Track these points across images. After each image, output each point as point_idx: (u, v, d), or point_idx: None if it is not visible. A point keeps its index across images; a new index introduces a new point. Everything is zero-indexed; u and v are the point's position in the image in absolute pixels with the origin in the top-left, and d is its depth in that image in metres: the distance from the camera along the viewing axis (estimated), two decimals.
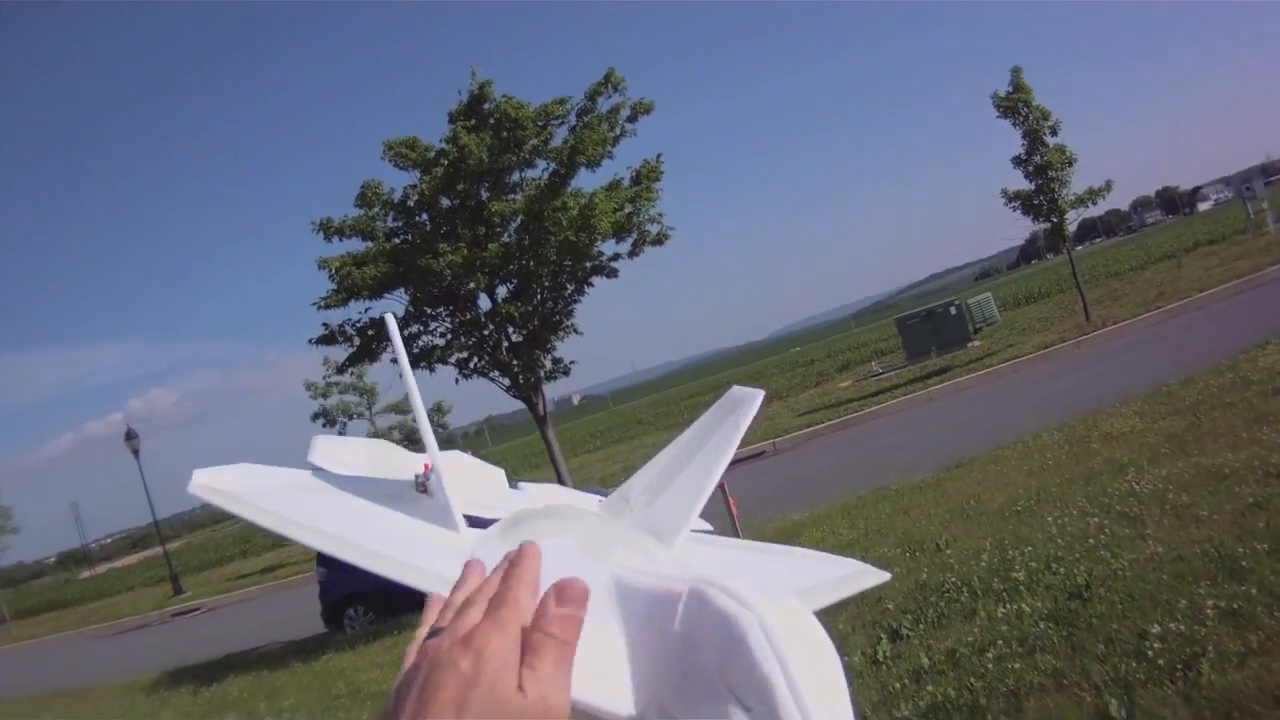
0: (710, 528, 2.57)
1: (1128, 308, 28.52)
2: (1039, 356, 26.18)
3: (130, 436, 42.37)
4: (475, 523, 2.09)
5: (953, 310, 34.78)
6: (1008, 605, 7.69)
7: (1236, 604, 6.17)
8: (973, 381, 26.44)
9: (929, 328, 34.75)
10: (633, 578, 1.33)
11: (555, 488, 2.97)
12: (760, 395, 2.25)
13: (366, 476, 2.48)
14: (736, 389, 2.27)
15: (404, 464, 2.70)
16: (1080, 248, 32.05)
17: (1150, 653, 5.91)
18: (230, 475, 2.15)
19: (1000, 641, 6.90)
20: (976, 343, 33.27)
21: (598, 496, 2.65)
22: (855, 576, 2.31)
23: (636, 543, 1.72)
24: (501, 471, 2.93)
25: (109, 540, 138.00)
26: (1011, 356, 27.62)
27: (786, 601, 1.16)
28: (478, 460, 3.06)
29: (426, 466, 2.52)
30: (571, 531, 1.70)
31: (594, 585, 1.18)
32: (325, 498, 2.25)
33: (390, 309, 15.77)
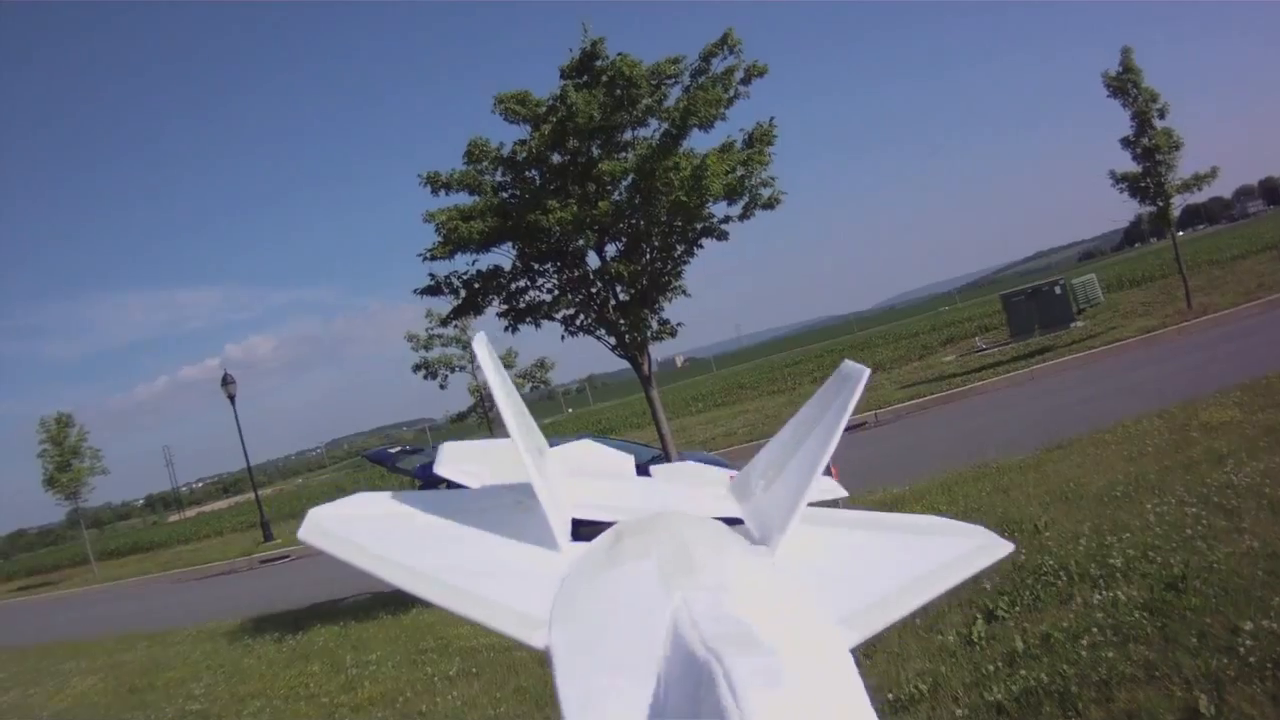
0: (843, 493, 2.54)
1: (1228, 296, 28.05)
2: (1140, 341, 25.80)
3: (227, 381, 42.45)
4: (589, 526, 2.02)
5: (1057, 290, 34.30)
6: (1104, 592, 7.60)
7: None
8: (1075, 362, 26.06)
9: (1033, 306, 34.32)
10: (685, 624, 1.28)
11: (687, 467, 2.91)
12: (866, 372, 2.22)
13: (488, 486, 2.47)
14: (847, 364, 2.21)
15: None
16: (1182, 234, 31.52)
17: (1242, 649, 5.82)
18: (344, 509, 2.19)
19: (1095, 629, 6.81)
20: (1080, 323, 32.81)
21: (729, 472, 2.55)
22: (979, 552, 2.23)
23: (719, 565, 1.60)
24: (630, 459, 2.87)
25: (199, 484, 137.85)
26: (1114, 339, 27.23)
27: (784, 695, 1.11)
28: (605, 447, 3.02)
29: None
30: (655, 554, 1.66)
31: (652, 628, 1.31)
32: (431, 524, 2.22)
33: (497, 262, 15.69)
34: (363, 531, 1.99)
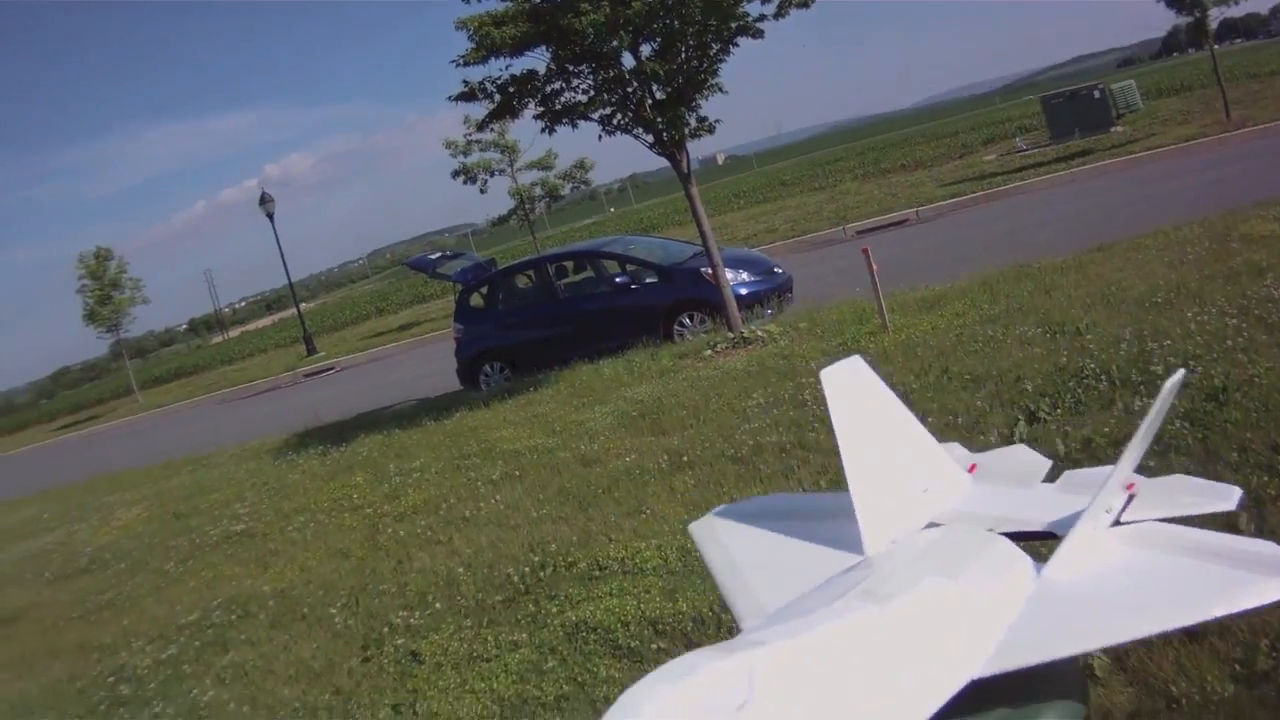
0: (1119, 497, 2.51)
1: (1267, 110, 27.21)
2: (1180, 149, 25.16)
3: (264, 200, 42.04)
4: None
5: (1096, 94, 33.57)
6: (1145, 399, 7.39)
7: None
8: (1114, 166, 25.50)
9: (1073, 109, 33.62)
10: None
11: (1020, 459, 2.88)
12: (1180, 374, 2.39)
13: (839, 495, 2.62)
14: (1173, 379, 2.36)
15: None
16: (1219, 47, 30.54)
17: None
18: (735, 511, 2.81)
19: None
20: (1119, 128, 32.10)
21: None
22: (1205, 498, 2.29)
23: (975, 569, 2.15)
24: (1043, 467, 2.82)
25: (242, 304, 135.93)
26: (1153, 146, 26.58)
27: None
28: (1032, 455, 2.91)
29: (972, 468, 2.67)
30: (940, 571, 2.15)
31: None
32: (792, 527, 2.58)
33: (531, 66, 15.21)
34: (735, 533, 2.70)
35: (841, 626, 2.12)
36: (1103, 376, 8.08)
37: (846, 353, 9.88)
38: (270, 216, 42.25)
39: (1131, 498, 2.34)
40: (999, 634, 1.99)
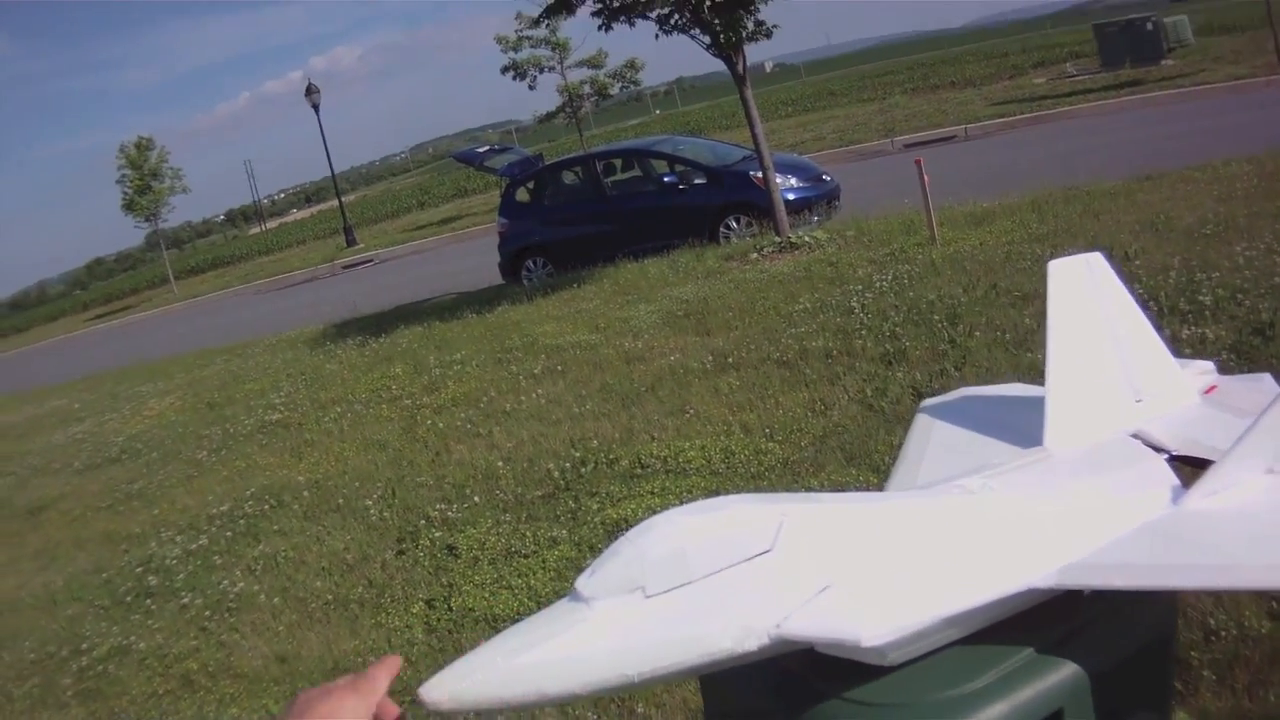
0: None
1: None
2: (1228, 87, 24.66)
3: (310, 91, 41.86)
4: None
5: (1149, 26, 32.99)
6: (1192, 328, 7.38)
7: None
8: (1164, 99, 25.02)
9: (1125, 38, 33.04)
10: None
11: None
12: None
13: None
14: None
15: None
16: None
17: None
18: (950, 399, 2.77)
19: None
20: (1170, 61, 31.53)
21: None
22: None
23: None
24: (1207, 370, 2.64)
25: (282, 195, 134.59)
26: (1203, 81, 26.09)
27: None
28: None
29: (1211, 389, 2.49)
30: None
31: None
32: (1003, 415, 2.56)
33: None
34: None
35: (906, 503, 2.08)
36: (1151, 303, 7.97)
37: (894, 263, 9.87)
38: (316, 108, 42.14)
39: None
40: (1085, 552, 1.86)
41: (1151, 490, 2.03)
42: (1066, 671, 1.75)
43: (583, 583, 1.73)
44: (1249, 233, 9.44)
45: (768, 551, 1.77)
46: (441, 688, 1.53)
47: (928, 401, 2.81)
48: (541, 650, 1.69)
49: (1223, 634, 4.00)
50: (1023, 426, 2.35)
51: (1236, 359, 6.60)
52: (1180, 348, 6.99)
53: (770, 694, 1.85)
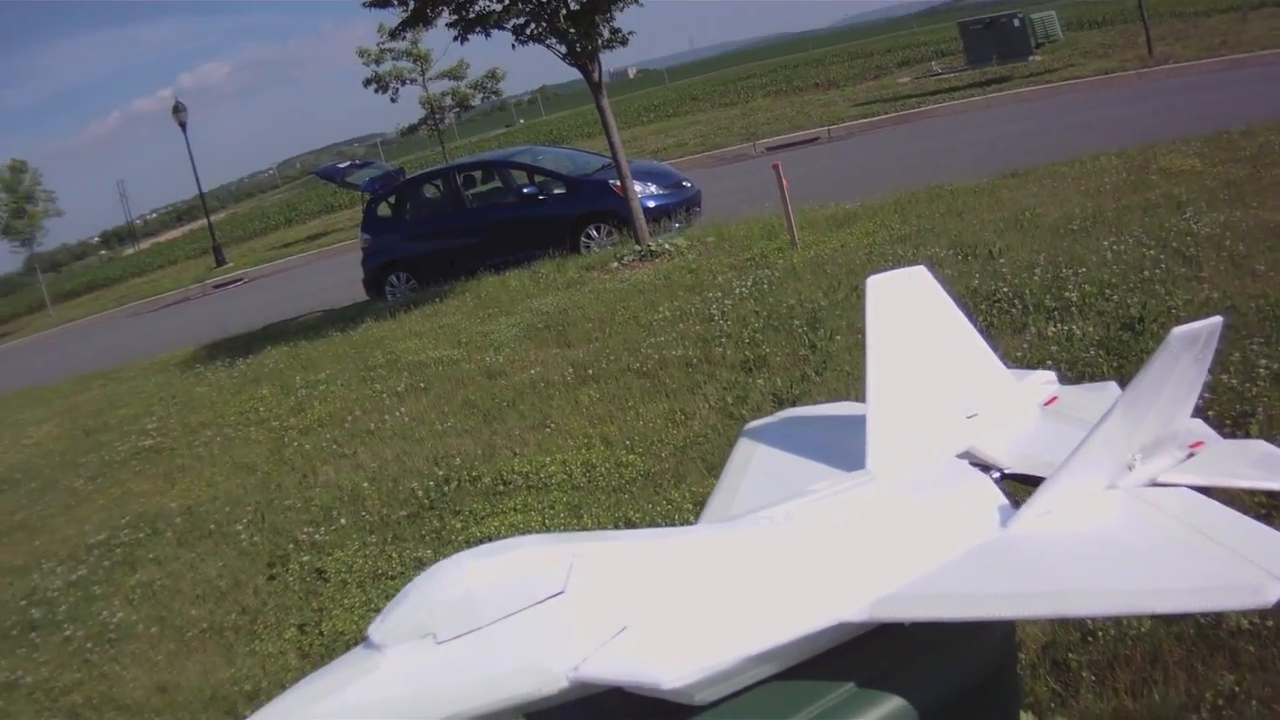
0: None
1: (1190, 49, 27.17)
2: (1099, 81, 25.13)
3: (177, 109, 41.56)
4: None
5: (1016, 22, 33.63)
6: (1059, 325, 7.41)
7: None
8: (1032, 94, 25.48)
9: (991, 35, 33.65)
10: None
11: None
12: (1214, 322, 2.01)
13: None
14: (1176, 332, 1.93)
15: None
16: None
17: (1200, 403, 5.56)
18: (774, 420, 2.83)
19: (1049, 362, 6.53)
20: (1038, 57, 32.11)
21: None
22: None
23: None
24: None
25: (154, 215, 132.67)
26: (1071, 76, 26.53)
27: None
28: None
29: (1051, 400, 2.53)
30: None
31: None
32: (825, 436, 2.54)
33: None
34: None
35: (707, 537, 2.06)
36: (1016, 301, 8.04)
37: (754, 268, 9.80)
38: (183, 125, 41.72)
39: (1191, 456, 2.16)
40: (903, 581, 1.84)
41: (977, 512, 2.00)
42: (890, 706, 1.74)
43: (374, 629, 1.77)
44: (1117, 227, 9.56)
45: (560, 594, 1.78)
46: None
47: (751, 424, 2.83)
48: (335, 699, 1.71)
49: (1100, 634, 3.98)
50: (848, 448, 2.31)
51: (1106, 355, 6.64)
52: (1047, 345, 7.04)
53: None
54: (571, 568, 1.79)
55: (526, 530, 6.42)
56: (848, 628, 1.80)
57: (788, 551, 1.92)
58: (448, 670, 1.73)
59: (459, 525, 7.10)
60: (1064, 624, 4.01)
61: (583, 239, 16.68)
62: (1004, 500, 2.03)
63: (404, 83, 34.78)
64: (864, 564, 1.87)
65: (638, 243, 14.50)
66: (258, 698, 5.48)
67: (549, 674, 1.75)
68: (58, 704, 6.49)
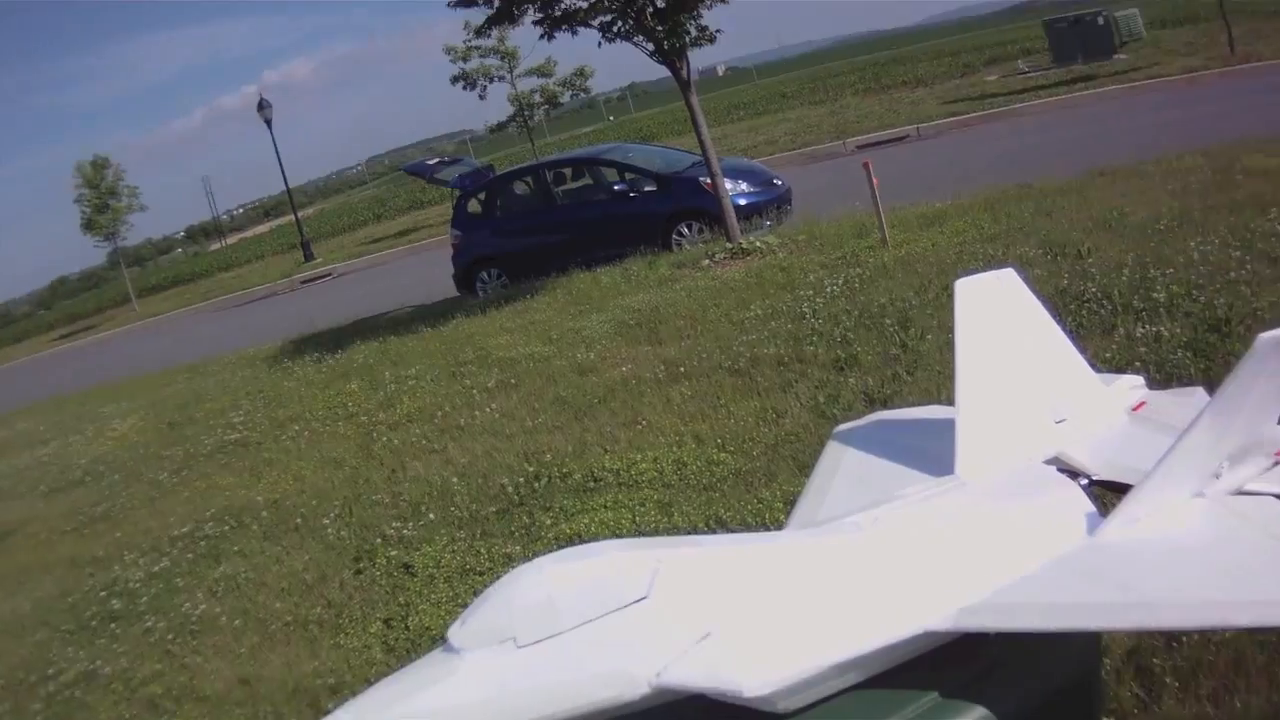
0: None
1: (1272, 48, 26.79)
2: (1182, 79, 24.91)
3: (262, 106, 41.84)
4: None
5: (1100, 20, 33.25)
6: (1147, 326, 7.46)
7: None
8: (1117, 93, 25.35)
9: (1076, 34, 33.27)
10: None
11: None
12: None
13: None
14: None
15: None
16: None
17: None
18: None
19: (1138, 363, 6.65)
20: (1122, 56, 31.83)
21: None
22: None
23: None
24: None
25: (240, 211, 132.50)
26: (1155, 75, 26.31)
27: None
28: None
29: (1139, 405, 2.53)
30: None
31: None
32: (915, 441, 2.55)
33: None
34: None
35: (792, 544, 2.08)
36: (1104, 301, 8.10)
37: (845, 266, 9.95)
38: (268, 123, 42.05)
39: (1277, 464, 2.13)
40: (989, 590, 1.85)
41: (1065, 521, 2.01)
42: (974, 716, 1.76)
43: (454, 633, 1.79)
44: (1203, 227, 9.55)
45: (644, 599, 1.81)
46: None
47: (840, 427, 2.84)
48: (413, 702, 1.73)
49: (1185, 639, 3.98)
50: (937, 452, 2.32)
51: (1193, 357, 6.69)
52: (1135, 346, 7.11)
53: None
54: (656, 573, 1.82)
55: (617, 527, 6.54)
56: (932, 636, 1.81)
57: (873, 559, 1.95)
58: (527, 675, 1.75)
59: (549, 521, 7.09)
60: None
61: (674, 236, 16.75)
62: (1092, 508, 2.05)
63: (492, 80, 34.96)
64: (950, 572, 1.89)
65: (729, 240, 14.60)
66: (340, 691, 5.52)
67: (631, 680, 1.77)
68: (136, 694, 6.55)
